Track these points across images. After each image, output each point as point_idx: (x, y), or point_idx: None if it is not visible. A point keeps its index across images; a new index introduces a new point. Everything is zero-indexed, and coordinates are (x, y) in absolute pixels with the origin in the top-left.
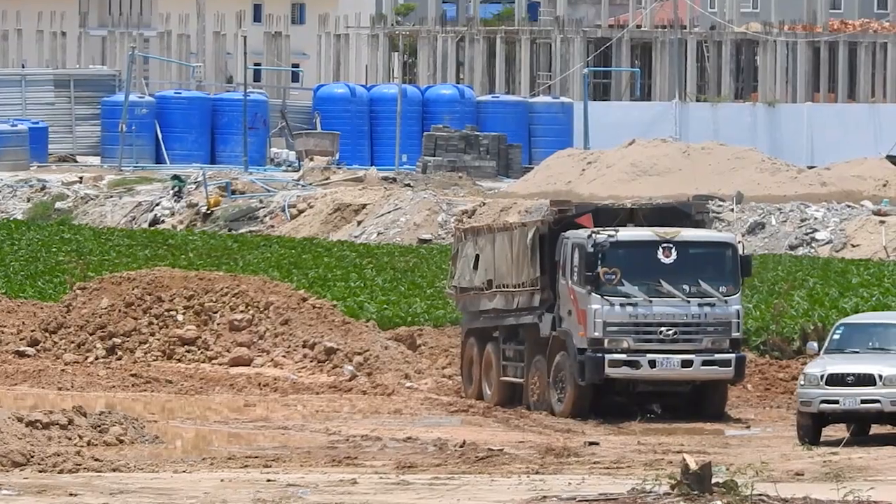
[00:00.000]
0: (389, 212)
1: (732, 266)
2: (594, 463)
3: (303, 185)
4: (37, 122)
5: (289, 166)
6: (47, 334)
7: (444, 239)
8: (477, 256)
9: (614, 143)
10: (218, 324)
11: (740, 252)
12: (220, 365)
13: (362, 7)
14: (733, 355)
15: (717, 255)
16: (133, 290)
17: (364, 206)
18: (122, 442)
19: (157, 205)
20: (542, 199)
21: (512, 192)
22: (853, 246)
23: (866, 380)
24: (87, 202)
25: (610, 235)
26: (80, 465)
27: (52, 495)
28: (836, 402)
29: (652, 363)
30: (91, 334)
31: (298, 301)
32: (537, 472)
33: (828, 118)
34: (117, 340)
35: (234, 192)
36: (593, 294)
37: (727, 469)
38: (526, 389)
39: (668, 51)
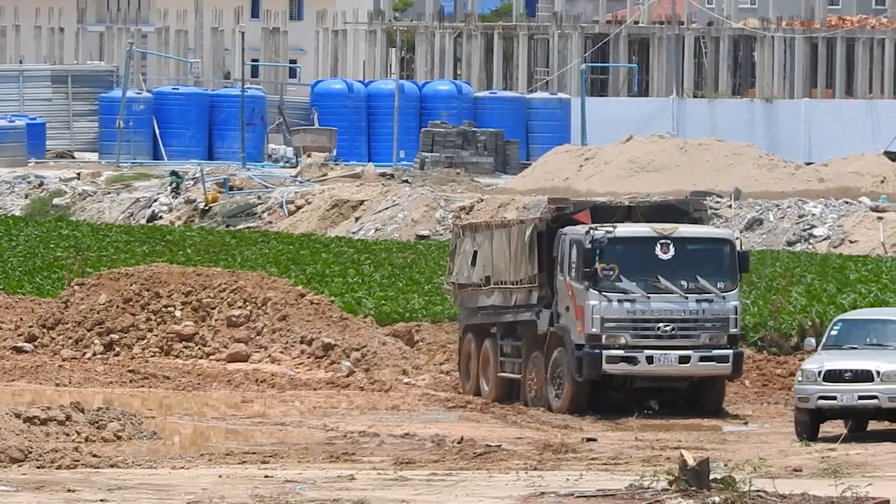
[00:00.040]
0: (387, 208)
1: (730, 262)
2: (592, 459)
3: (300, 182)
4: (34, 119)
5: (286, 162)
6: (45, 330)
7: (441, 235)
8: (475, 253)
9: (612, 140)
10: (216, 320)
11: (738, 248)
12: (218, 361)
13: (360, 3)
14: (731, 351)
15: (714, 252)
16: (131, 286)
17: (362, 202)
18: (119, 438)
19: (155, 201)
20: (539, 195)
21: (510, 188)
22: (851, 242)
23: (864, 376)
24: (85, 198)
25: (608, 231)
26: (77, 460)
27: (49, 491)
28: (834, 398)
29: (650, 359)
30: (89, 330)
31: (296, 297)
32: (535, 469)
33: (825, 114)
34: (115, 336)
35: (231, 189)
36: (591, 290)
37: (725, 465)
38: (524, 385)
39: (666, 47)
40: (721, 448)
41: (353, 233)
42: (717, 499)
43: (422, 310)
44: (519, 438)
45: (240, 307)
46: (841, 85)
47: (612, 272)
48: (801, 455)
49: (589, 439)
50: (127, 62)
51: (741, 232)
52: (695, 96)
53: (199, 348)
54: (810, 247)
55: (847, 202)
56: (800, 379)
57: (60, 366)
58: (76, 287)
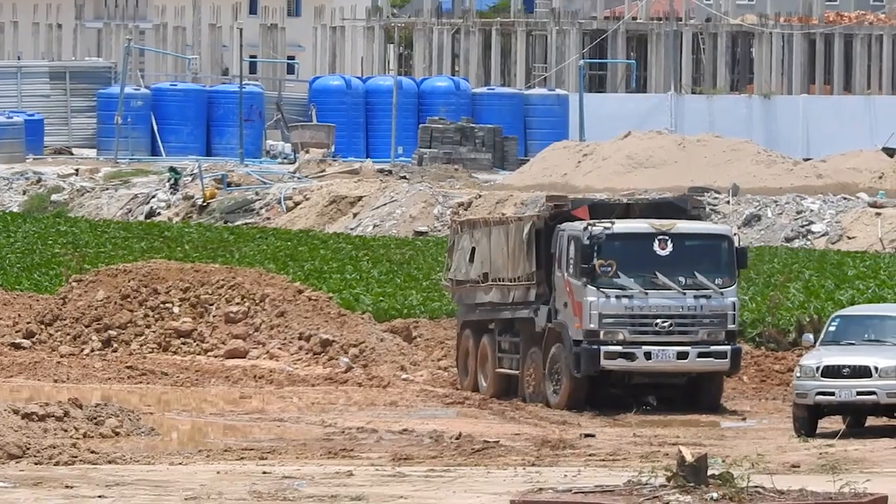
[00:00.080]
0: (385, 204)
1: (728, 258)
2: (590, 455)
3: (299, 178)
4: (33, 115)
5: (284, 158)
6: (43, 326)
7: (439, 231)
8: (473, 249)
9: (610, 136)
10: (214, 316)
11: (736, 244)
12: (216, 357)
13: None
14: (729, 347)
15: (712, 247)
16: (129, 282)
17: (360, 198)
18: (117, 434)
19: (153, 197)
20: (537, 191)
21: (508, 184)
22: (849, 238)
23: (862, 371)
24: (83, 194)
25: (606, 227)
26: (75, 457)
27: (47, 487)
28: (832, 393)
29: (648, 355)
30: (87, 326)
31: (294, 293)
32: (533, 465)
33: (823, 110)
34: (113, 332)
35: (229, 185)
36: (589, 286)
37: (723, 461)
38: (522, 381)
39: (664, 43)
40: (719, 444)
41: (351, 229)
42: (715, 495)
43: (420, 306)
44: (517, 434)
45: (238, 303)
46: (839, 81)
47: (609, 268)
48: (800, 451)
49: (587, 435)
50: (125, 58)
51: (739, 228)
52: (693, 92)
53: (197, 344)
54: (808, 243)
55: (845, 198)
56: (798, 375)
57: (58, 362)
58: (74, 283)
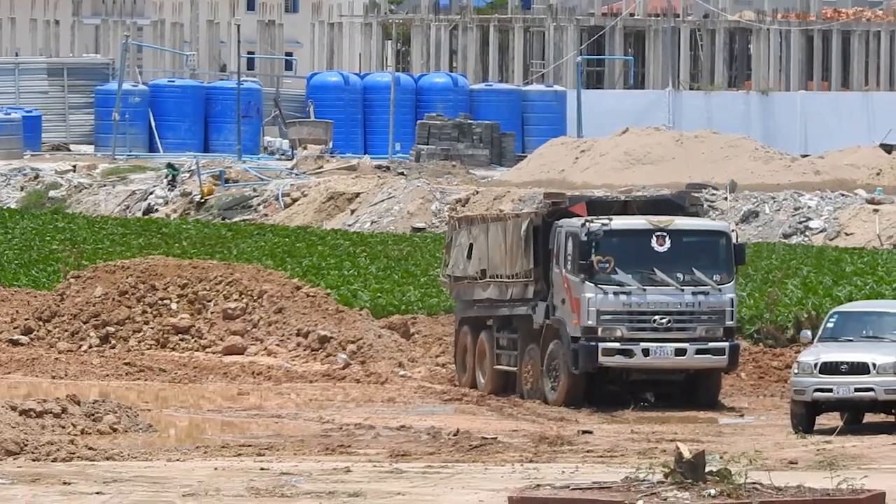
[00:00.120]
0: (383, 200)
1: (726, 254)
2: (588, 451)
3: (296, 174)
4: (30, 111)
5: (282, 155)
6: (41, 323)
7: (437, 227)
8: (471, 246)
9: (608, 132)
10: (212, 312)
11: (734, 240)
12: (214, 353)
13: None
14: (727, 344)
15: (710, 244)
16: (127, 278)
17: (357, 194)
18: (115, 430)
19: (151, 193)
20: (535, 187)
21: (505, 180)
22: (847, 234)
23: (860, 368)
24: (81, 191)
25: (604, 224)
26: (73, 453)
27: (45, 484)
28: (830, 390)
29: (645, 352)
30: (85, 323)
31: (292, 289)
32: (531, 461)
33: (821, 107)
34: (111, 329)
35: (227, 181)
36: (587, 282)
37: (721, 457)
38: (519, 378)
39: (662, 39)
40: (717, 440)
41: (349, 225)
42: (712, 491)
43: (418, 302)
44: (515, 431)
45: (236, 300)
46: (837, 77)
47: (607, 265)
48: (797, 447)
49: (585, 432)
50: (123, 55)
51: (737, 224)
52: (691, 89)
53: (195, 341)
54: (806, 239)
55: (843, 194)
56: (796, 371)
57: (56, 358)
58: (72, 280)
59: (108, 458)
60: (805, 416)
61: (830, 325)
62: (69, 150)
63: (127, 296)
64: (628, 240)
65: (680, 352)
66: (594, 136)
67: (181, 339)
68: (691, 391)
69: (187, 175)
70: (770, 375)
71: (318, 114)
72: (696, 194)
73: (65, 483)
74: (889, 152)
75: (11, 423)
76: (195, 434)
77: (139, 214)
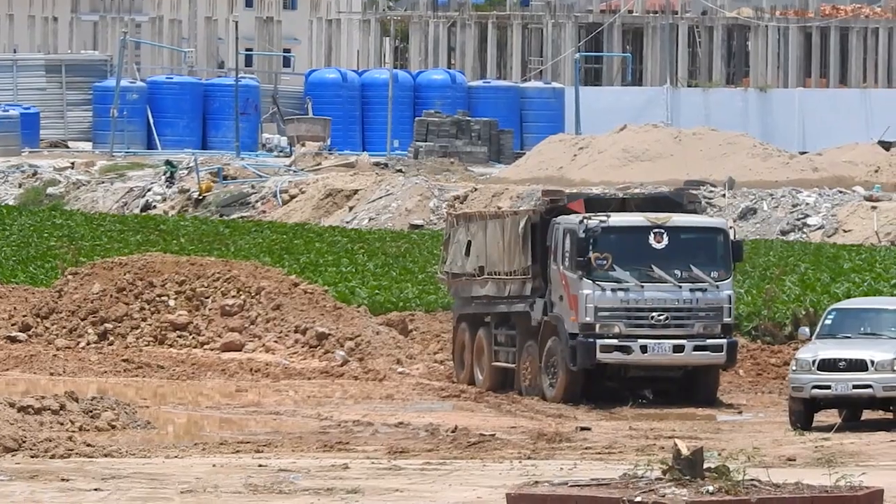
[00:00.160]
0: (381, 197)
1: (724, 251)
2: (586, 448)
3: (294, 171)
4: (28, 108)
5: (280, 152)
6: (39, 319)
7: (435, 224)
8: (469, 243)
9: (606, 129)
10: (209, 309)
11: (732, 237)
12: (212, 350)
13: None
14: (725, 340)
15: (708, 241)
16: (125, 275)
17: (356, 191)
18: (113, 427)
19: (149, 190)
20: (533, 184)
21: (503, 177)
22: (845, 231)
23: (858, 365)
24: (79, 188)
25: (601, 221)
26: (71, 450)
27: (43, 480)
28: (828, 387)
29: (643, 348)
30: (83, 319)
31: (290, 286)
32: (529, 458)
33: (819, 104)
34: (109, 326)
35: (225, 178)
36: (585, 279)
37: (719, 454)
38: (518, 374)
39: (660, 36)
40: (715, 437)
41: (347, 222)
42: (710, 488)
43: (416, 299)
44: (513, 428)
45: (233, 296)
46: (835, 74)
47: (605, 261)
48: (795, 444)
49: (583, 428)
50: (121, 51)
51: (735, 221)
52: (689, 86)
53: (192, 338)
54: (804, 236)
55: (841, 191)
56: (794, 368)
57: (54, 355)
58: (70, 276)
59: (106, 455)
60: (803, 413)
61: (828, 321)
62: (67, 146)
63: (125, 292)
64: (626, 237)
65: (678, 348)
66: (592, 133)
67: (179, 336)
68: (689, 388)
69: (185, 172)
70: (768, 372)
71: (317, 111)
72: (694, 191)
73: (63, 480)
74: (887, 149)
75: (10, 419)
76: (193, 431)
77: (137, 211)
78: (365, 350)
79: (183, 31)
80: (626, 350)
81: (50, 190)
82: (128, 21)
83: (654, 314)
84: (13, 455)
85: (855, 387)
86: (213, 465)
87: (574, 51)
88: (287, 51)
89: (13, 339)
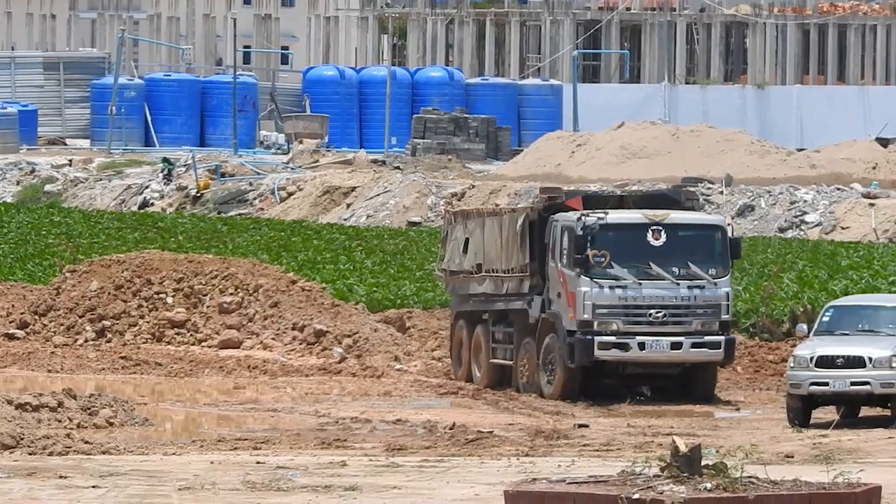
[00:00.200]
0: (379, 194)
1: (722, 248)
2: (584, 445)
3: (292, 168)
4: (26, 105)
5: (278, 149)
6: (37, 317)
7: (433, 221)
8: (467, 240)
9: (604, 126)
10: (207, 306)
11: (730, 234)
12: (210, 347)
13: None
14: (723, 338)
15: (706, 238)
16: (122, 272)
17: (353, 188)
18: (111, 424)
19: (147, 188)
20: (531, 181)
21: (501, 174)
22: (843, 228)
23: (856, 362)
24: (77, 185)
25: (599, 218)
26: (69, 447)
27: (41, 477)
28: (826, 384)
29: (641, 345)
30: (80, 317)
31: (288, 283)
32: (527, 455)
33: (817, 100)
34: (107, 323)
35: (223, 175)
36: (582, 276)
37: (717, 451)
38: (515, 372)
39: (658, 33)
40: (713, 434)
41: (345, 219)
42: (708, 485)
43: (413, 296)
44: (511, 424)
45: (231, 294)
46: (833, 71)
47: (603, 258)
48: (793, 441)
49: (581, 425)
50: (119, 49)
51: (733, 218)
52: (686, 83)
53: (190, 335)
54: (802, 233)
55: (839, 188)
56: (792, 365)
57: (52, 352)
58: (68, 274)
59: (104, 452)
60: (801, 410)
61: (826, 318)
62: (65, 144)
63: (123, 290)
64: (624, 234)
65: (676, 346)
66: (590, 130)
67: (177, 334)
68: (687, 385)
69: (183, 169)
70: (766, 369)
71: (314, 108)
72: (692, 188)
73: (61, 477)
74: (885, 146)
75: (7, 416)
76: (191, 428)
77: (135, 208)
78: (363, 347)
79: (181, 28)
80: (623, 347)
81: (48, 187)
82: (126, 18)
83: (651, 311)
84: (11, 452)
85: (853, 384)
86: (211, 462)
87: (572, 48)
88: (285, 48)
89: (11, 337)
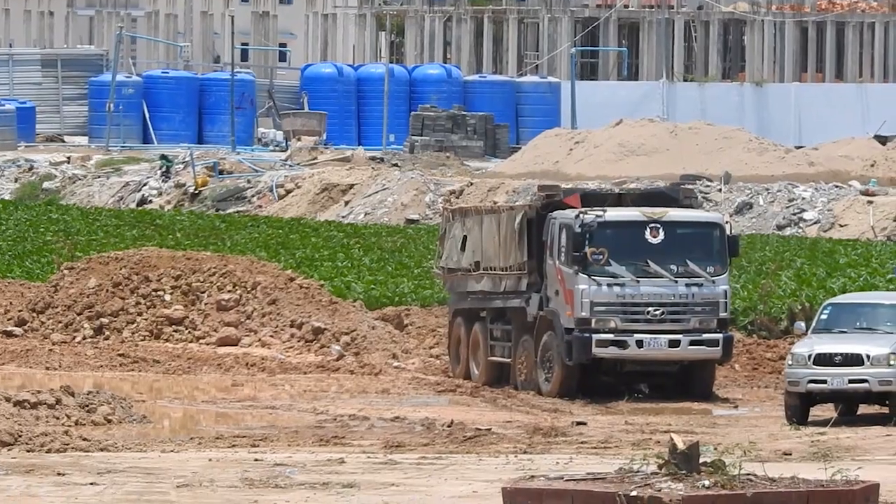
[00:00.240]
0: (377, 192)
1: (720, 246)
2: (582, 443)
3: (290, 166)
4: (24, 102)
5: (276, 146)
6: (35, 314)
7: (431, 219)
8: (464, 238)
9: (602, 123)
10: (205, 304)
11: (728, 232)
12: (208, 345)
13: None
14: (721, 335)
15: (704, 235)
16: (121, 269)
17: (351, 186)
18: (109, 422)
19: (145, 185)
20: (529, 178)
21: (499, 171)
22: (841, 226)
23: (854, 360)
24: (75, 182)
25: (598, 215)
26: (67, 444)
27: (40, 475)
28: (824, 381)
29: (639, 343)
30: (79, 314)
31: (286, 281)
32: (525, 452)
33: (815, 98)
34: (105, 320)
35: (221, 172)
36: (580, 274)
37: (715, 449)
38: (513, 369)
39: (656, 30)
40: (711, 432)
41: (343, 217)
42: (706, 482)
43: (411, 294)
44: (509, 422)
45: (229, 291)
46: (831, 69)
47: (601, 256)
48: (791, 439)
49: (579, 423)
50: (117, 46)
51: (731, 216)
52: (685, 80)
53: (188, 332)
54: (800, 231)
55: (837, 186)
56: (790, 363)
57: (50, 350)
58: (66, 271)
59: (102, 450)
60: (799, 408)
61: (824, 316)
62: (63, 141)
63: (121, 287)
64: (622, 231)
65: (674, 343)
66: (588, 127)
67: (175, 331)
68: (685, 382)
69: (181, 166)
70: (764, 367)
71: (312, 105)
72: (690, 186)
73: (59, 474)
74: (883, 143)
75: (6, 414)
76: (189, 425)
77: (133, 206)
78: (361, 345)
79: (179, 25)
80: (621, 345)
81: (46, 184)
82: (124, 16)
83: (650, 309)
84: (9, 449)
85: (851, 381)
86: (209, 460)
87: (570, 45)
88: (283, 45)
89: (9, 334)
